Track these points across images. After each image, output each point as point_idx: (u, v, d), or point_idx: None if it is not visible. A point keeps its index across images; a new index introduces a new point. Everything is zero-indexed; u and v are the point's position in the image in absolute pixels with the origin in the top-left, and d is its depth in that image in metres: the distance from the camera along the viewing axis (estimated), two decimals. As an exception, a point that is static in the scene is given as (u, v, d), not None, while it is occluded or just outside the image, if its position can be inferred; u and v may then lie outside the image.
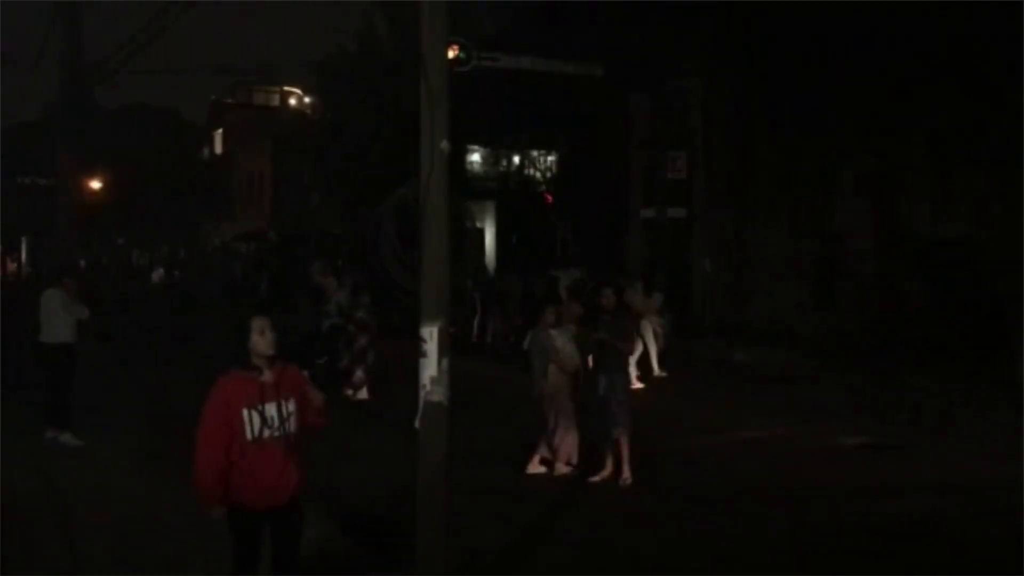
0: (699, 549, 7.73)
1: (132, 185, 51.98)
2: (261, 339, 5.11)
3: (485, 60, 13.49)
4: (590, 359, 10.05)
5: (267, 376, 5.11)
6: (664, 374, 16.48)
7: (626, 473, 9.39)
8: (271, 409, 5.05)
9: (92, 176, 24.07)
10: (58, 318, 11.20)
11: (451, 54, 6.74)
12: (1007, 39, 15.73)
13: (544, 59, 20.37)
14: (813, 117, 20.27)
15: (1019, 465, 9.74)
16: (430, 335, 6.41)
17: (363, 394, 14.42)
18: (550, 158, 32.90)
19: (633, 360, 15.29)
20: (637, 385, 14.96)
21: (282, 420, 5.07)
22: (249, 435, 5.01)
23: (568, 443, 9.78)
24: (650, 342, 16.30)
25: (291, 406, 5.11)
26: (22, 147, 37.19)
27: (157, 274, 54.17)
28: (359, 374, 14.36)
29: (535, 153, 32.99)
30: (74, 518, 8.31)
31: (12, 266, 31.86)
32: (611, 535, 8.14)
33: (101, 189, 44.40)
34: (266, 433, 5.03)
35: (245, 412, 5.00)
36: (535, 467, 9.88)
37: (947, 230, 19.07)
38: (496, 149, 33.12)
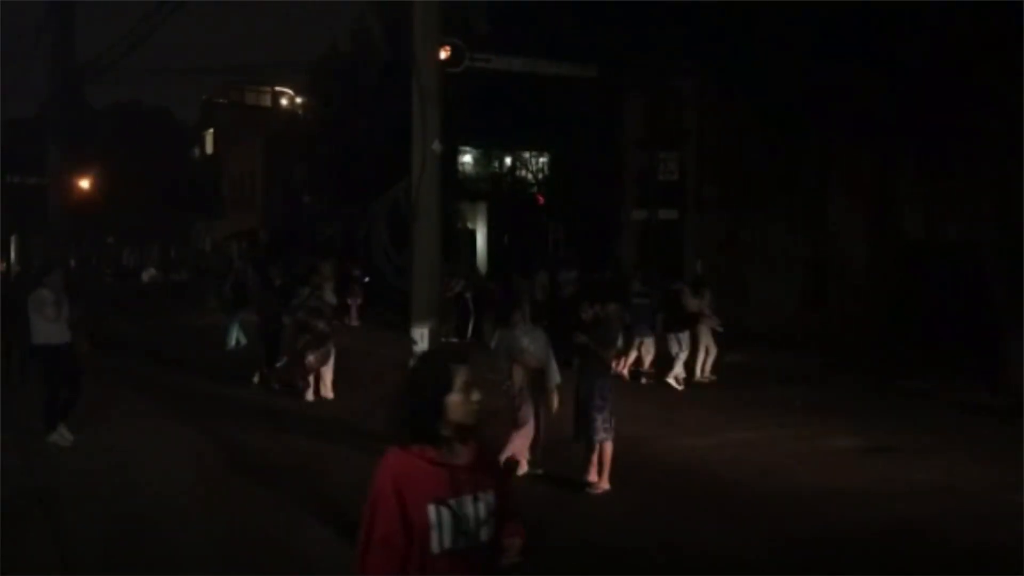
0: (689, 552, 7.71)
1: (123, 184, 51.87)
2: (464, 401, 3.30)
3: (477, 61, 13.43)
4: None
5: (461, 456, 3.33)
6: (714, 378, 16.46)
7: (605, 483, 9.34)
8: (466, 505, 3.29)
9: (82, 175, 23.97)
10: (42, 320, 10.95)
11: (443, 55, 6.71)
12: (1004, 39, 15.77)
13: (537, 60, 20.34)
14: (806, 118, 20.31)
15: (1014, 467, 9.74)
16: (421, 336, 6.41)
17: (326, 394, 14.34)
18: (542, 159, 32.94)
19: (701, 359, 16.08)
20: (679, 387, 15.65)
21: (481, 521, 3.32)
22: (435, 544, 3.21)
23: (519, 442, 9.70)
24: (710, 344, 16.31)
25: (491, 499, 3.36)
26: (12, 145, 37.09)
27: (147, 274, 54.13)
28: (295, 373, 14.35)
29: (527, 154, 33.03)
30: (66, 518, 8.27)
31: (1, 265, 31.78)
32: (602, 537, 8.12)
33: (91, 188, 44.35)
34: (460, 541, 3.25)
35: (432, 509, 3.22)
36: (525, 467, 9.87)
37: (941, 232, 19.13)
38: (488, 150, 33.15)
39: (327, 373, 14.52)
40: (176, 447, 10.99)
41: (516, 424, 9.70)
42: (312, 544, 7.64)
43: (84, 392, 11.40)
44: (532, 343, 9.74)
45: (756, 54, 20.39)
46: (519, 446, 9.76)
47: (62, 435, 10.93)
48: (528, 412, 9.71)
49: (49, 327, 10.91)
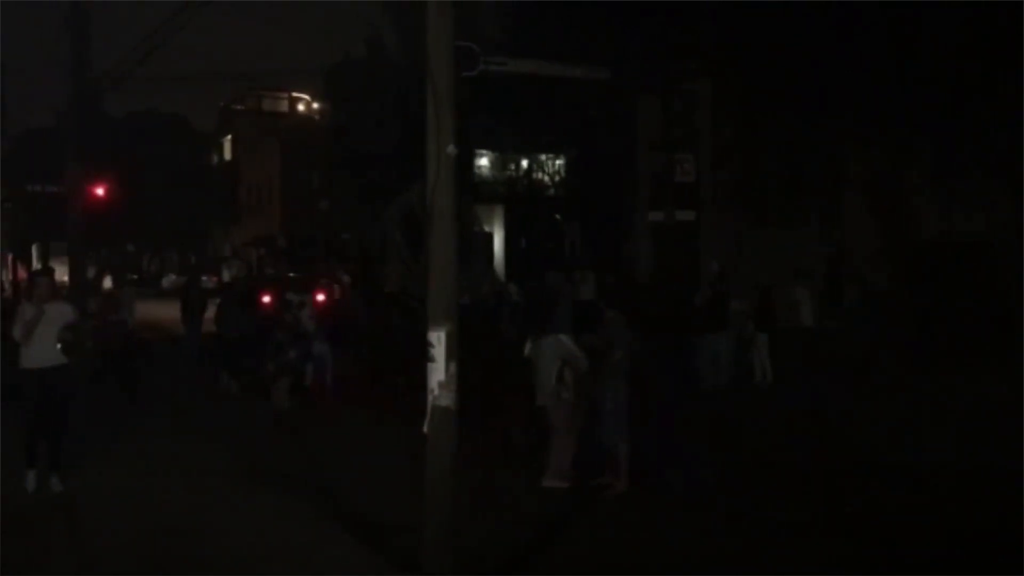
0: (701, 553, 7.70)
1: (142, 192, 52.15)
2: None
3: (492, 64, 13.43)
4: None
5: None
6: None
7: (620, 484, 9.30)
8: None
9: (100, 183, 24.10)
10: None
11: (457, 59, 6.72)
12: (1012, 40, 15.69)
13: (551, 63, 20.32)
14: (820, 119, 20.22)
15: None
16: (438, 339, 6.39)
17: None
18: (558, 162, 32.93)
19: None
20: None
21: None
22: None
23: (565, 454, 9.58)
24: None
25: None
26: (33, 155, 37.35)
27: (168, 280, 54.29)
28: (280, 384, 14.29)
29: (543, 157, 33.02)
30: (85, 527, 8.32)
31: (23, 273, 31.95)
32: (616, 540, 8.11)
33: (110, 196, 44.66)
34: None
35: None
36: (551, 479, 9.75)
37: (954, 232, 19.03)
38: (504, 153, 33.16)
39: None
40: (194, 456, 11.02)
41: (568, 431, 9.56)
42: (334, 550, 7.64)
43: (65, 431, 9.49)
44: (577, 349, 9.63)
45: (769, 54, 20.33)
46: (563, 458, 9.58)
47: (55, 482, 9.21)
48: (577, 418, 9.61)
49: (24, 349, 9.14)
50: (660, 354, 14.82)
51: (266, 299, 20.19)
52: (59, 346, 9.14)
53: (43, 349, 9.07)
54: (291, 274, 31.91)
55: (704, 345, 15.58)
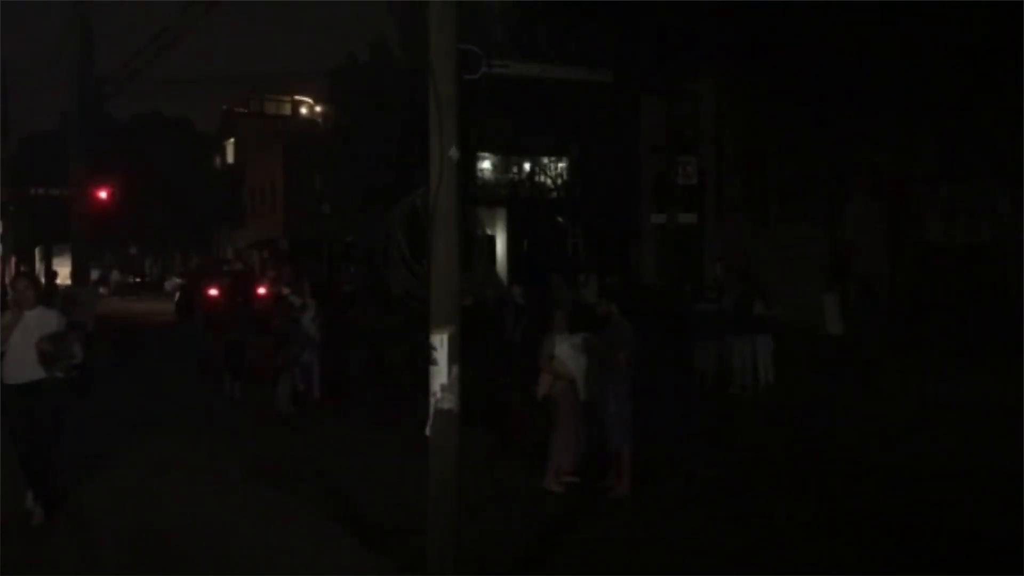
0: (702, 553, 7.73)
1: (145, 194, 52.24)
2: None
3: (495, 67, 13.47)
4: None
5: None
6: None
7: (623, 486, 9.31)
8: None
9: (104, 186, 24.23)
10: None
11: (459, 62, 6.75)
12: (1015, 40, 15.71)
13: (554, 65, 20.36)
14: (825, 121, 20.22)
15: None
16: (440, 342, 6.41)
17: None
18: (561, 164, 32.97)
19: None
20: None
21: None
22: None
23: (562, 455, 9.56)
24: None
25: None
26: (36, 158, 37.46)
27: (170, 283, 54.37)
28: (281, 387, 14.20)
29: (546, 159, 33.06)
30: (89, 527, 8.35)
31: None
32: (618, 540, 8.14)
33: (112, 199, 44.71)
34: None
35: None
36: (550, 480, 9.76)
37: (959, 235, 19.02)
38: (507, 156, 33.21)
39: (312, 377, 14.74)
40: (196, 456, 11.07)
41: (564, 430, 9.53)
42: (337, 551, 7.67)
43: (50, 456, 8.45)
44: (567, 351, 9.57)
45: (772, 55, 20.34)
46: (562, 459, 9.54)
47: (34, 509, 8.26)
48: (564, 421, 9.57)
49: (1, 361, 8.11)
50: (662, 356, 14.89)
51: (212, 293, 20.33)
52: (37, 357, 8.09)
53: (21, 361, 8.06)
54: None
55: (739, 346, 15.67)
